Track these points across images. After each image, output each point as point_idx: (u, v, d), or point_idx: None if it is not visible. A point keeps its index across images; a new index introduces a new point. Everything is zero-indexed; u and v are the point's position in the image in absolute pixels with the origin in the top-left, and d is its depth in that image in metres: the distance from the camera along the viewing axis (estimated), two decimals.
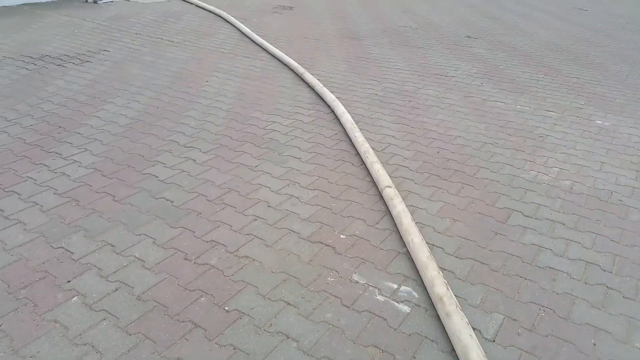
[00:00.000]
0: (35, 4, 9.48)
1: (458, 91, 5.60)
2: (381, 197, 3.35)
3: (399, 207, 3.07)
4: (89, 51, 6.62)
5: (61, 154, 3.81)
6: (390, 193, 3.22)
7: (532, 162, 3.97)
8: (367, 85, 5.69)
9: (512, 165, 3.91)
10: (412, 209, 3.25)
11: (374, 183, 3.53)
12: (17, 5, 9.26)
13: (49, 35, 7.31)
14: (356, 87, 5.61)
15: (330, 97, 4.95)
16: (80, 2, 9.88)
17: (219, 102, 5.00)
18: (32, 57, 6.21)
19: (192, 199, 3.27)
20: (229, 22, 8.81)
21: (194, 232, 2.93)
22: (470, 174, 3.75)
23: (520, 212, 3.27)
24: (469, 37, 8.47)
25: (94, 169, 3.61)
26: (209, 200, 3.26)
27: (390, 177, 3.56)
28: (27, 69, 5.78)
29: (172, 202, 3.23)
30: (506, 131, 4.57)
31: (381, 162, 3.78)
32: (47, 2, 9.68)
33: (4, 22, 7.96)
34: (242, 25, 8.37)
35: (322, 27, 8.86)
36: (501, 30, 9.10)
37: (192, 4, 10.39)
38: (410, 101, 5.23)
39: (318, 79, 5.77)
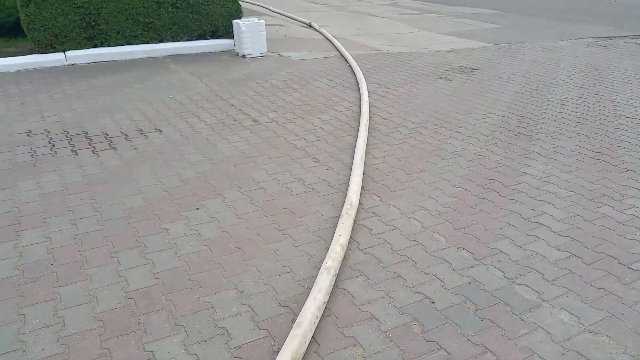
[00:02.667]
0: (181, 55, 8.82)
1: (635, 333, 2.51)
2: None
3: None
4: (139, 130, 5.30)
5: None
6: None
7: None
8: (449, 258, 2.99)
9: None
10: None
11: None
12: (163, 56, 8.70)
13: (134, 100, 6.28)
14: (427, 262, 2.97)
15: (307, 317, 2.48)
16: (229, 56, 8.91)
17: (137, 272, 2.98)
18: (67, 134, 5.14)
19: None
20: (361, 92, 6.69)
21: None
22: None
23: None
24: None
25: None
26: None
27: None
28: (35, 152, 4.67)
29: None
30: None
31: None
32: (195, 53, 8.95)
33: (120, 77, 7.30)
34: (366, 100, 6.17)
35: (487, 107, 6.08)
36: None
37: (347, 63, 8.54)
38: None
39: (359, 240, 3.30)
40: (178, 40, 9.02)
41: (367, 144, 5.00)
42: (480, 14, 15.44)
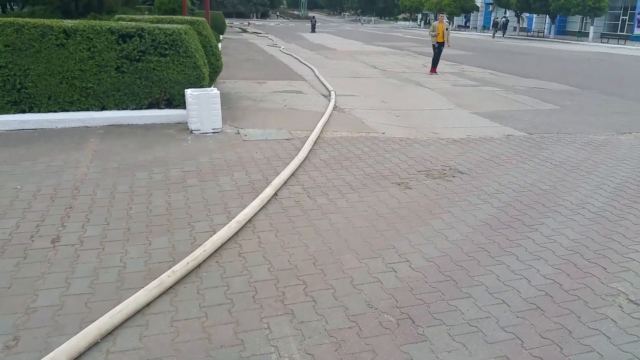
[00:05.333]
0: (124, 126, 7.49)
1: None
2: None
3: None
4: None
5: None
6: None
7: None
8: None
9: None
10: None
11: None
12: (101, 126, 7.43)
13: None
14: None
15: None
16: (176, 131, 7.43)
17: None
18: None
19: None
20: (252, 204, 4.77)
21: None
22: None
23: None
24: None
25: None
26: None
27: None
28: None
29: None
30: None
31: None
32: (143, 124, 7.58)
33: (3, 154, 6.01)
34: (237, 220, 4.29)
35: (414, 246, 3.92)
36: None
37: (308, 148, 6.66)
38: None
39: None
40: (124, 109, 7.71)
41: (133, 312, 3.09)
42: (548, 89, 12.84)
